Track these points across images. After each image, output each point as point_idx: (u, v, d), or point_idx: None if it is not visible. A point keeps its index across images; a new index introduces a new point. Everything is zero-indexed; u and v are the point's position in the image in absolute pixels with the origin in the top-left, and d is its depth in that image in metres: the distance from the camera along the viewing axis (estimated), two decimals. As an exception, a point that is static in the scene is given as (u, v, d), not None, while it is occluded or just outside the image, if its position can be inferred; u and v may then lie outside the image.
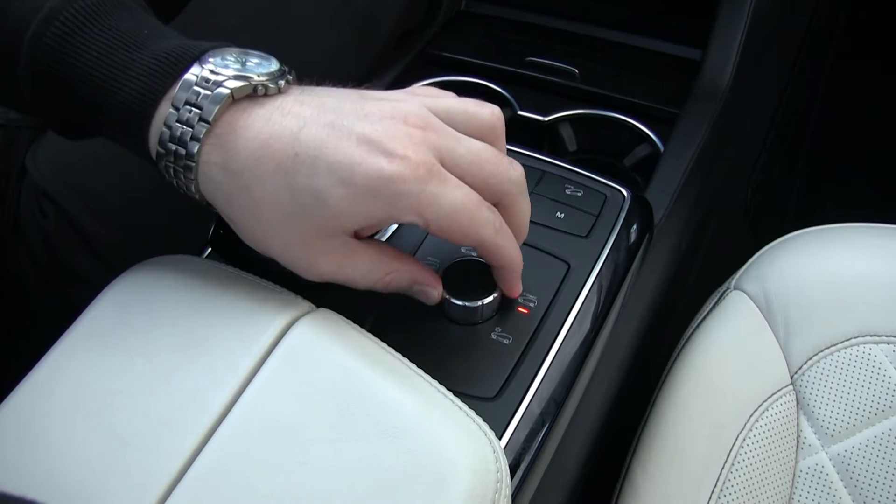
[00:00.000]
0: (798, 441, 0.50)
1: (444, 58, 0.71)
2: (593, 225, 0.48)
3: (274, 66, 0.37)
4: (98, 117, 0.38)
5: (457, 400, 0.35)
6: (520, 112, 0.66)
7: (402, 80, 0.69)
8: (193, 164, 0.35)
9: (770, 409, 0.51)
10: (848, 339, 0.51)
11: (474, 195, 0.36)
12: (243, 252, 0.41)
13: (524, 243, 0.46)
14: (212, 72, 0.35)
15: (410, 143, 0.35)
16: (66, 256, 0.58)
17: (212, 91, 0.35)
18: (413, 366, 0.36)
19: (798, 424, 0.51)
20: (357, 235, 0.37)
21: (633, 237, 0.50)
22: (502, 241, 0.38)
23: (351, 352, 0.35)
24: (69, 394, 0.35)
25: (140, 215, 0.58)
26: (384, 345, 0.37)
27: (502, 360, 0.41)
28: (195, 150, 0.35)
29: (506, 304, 0.43)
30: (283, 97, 0.36)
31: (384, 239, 0.46)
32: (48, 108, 0.39)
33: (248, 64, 0.36)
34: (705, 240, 0.70)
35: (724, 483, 0.49)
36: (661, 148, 0.63)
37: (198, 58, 0.36)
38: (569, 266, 0.46)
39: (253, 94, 0.35)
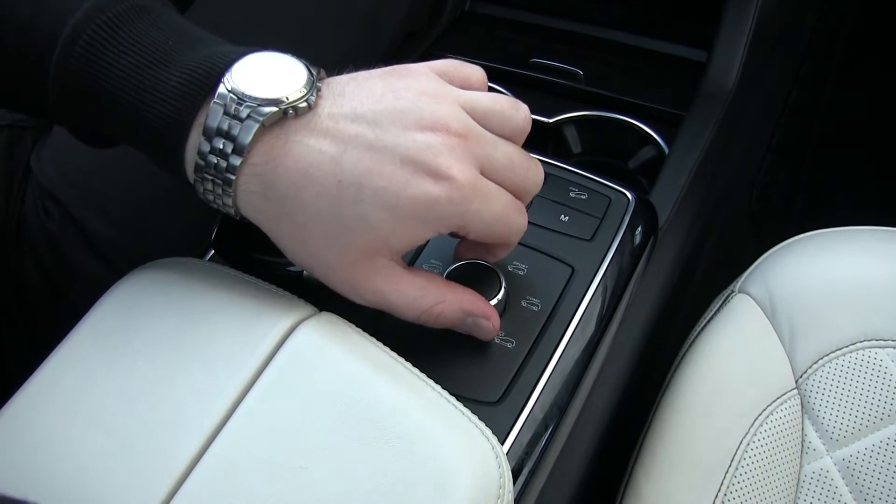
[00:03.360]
0: (802, 446, 0.50)
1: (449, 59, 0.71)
2: (597, 228, 0.48)
3: (303, 75, 0.35)
4: (130, 139, 0.37)
5: (459, 405, 0.35)
6: None
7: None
8: (232, 193, 0.35)
9: (774, 413, 0.50)
10: (853, 343, 0.51)
11: (511, 201, 0.37)
12: (246, 255, 0.41)
13: (528, 246, 0.46)
14: (240, 96, 0.34)
15: (454, 159, 0.34)
16: (70, 257, 0.58)
17: (242, 119, 0.34)
18: (416, 370, 0.36)
19: (803, 429, 0.51)
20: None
21: (637, 240, 0.49)
22: (518, 238, 0.39)
23: (353, 356, 0.35)
24: (71, 396, 0.35)
25: (144, 217, 0.58)
26: (387, 349, 0.37)
27: (505, 363, 0.41)
28: (232, 180, 0.34)
29: (509, 308, 0.43)
30: (316, 115, 0.35)
31: None
32: (77, 126, 0.39)
33: (276, 76, 0.35)
34: (710, 242, 0.70)
35: (727, 488, 0.49)
36: (666, 150, 0.63)
37: (223, 73, 0.35)
38: (573, 269, 0.45)
39: (284, 117, 0.34)
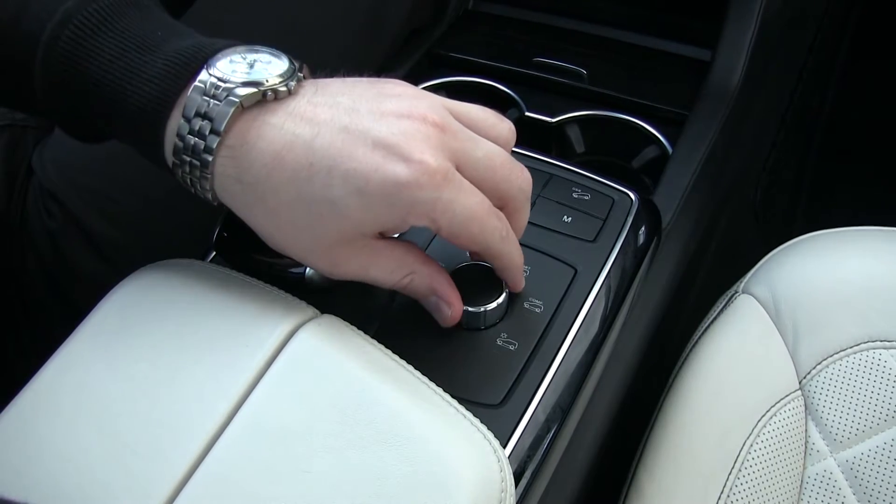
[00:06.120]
0: (806, 447, 0.50)
1: (451, 58, 0.71)
2: (600, 229, 0.48)
3: (284, 64, 0.36)
4: (112, 122, 0.37)
5: (461, 408, 0.35)
6: (527, 113, 0.66)
7: (408, 80, 0.68)
8: (209, 176, 0.35)
9: (778, 414, 0.50)
10: (857, 345, 0.50)
11: (486, 203, 0.36)
12: (248, 256, 0.41)
13: (531, 247, 0.46)
14: (220, 79, 0.34)
15: (428, 147, 0.34)
16: (71, 257, 0.58)
17: (221, 100, 0.34)
18: (417, 373, 0.36)
19: (806, 430, 0.50)
20: (381, 234, 0.37)
21: (640, 241, 0.49)
22: (506, 246, 0.38)
23: (355, 358, 0.35)
24: (73, 398, 0.35)
25: (146, 217, 0.58)
26: (388, 351, 0.37)
27: (508, 366, 0.41)
28: (209, 161, 0.34)
29: (512, 309, 0.43)
30: (296, 100, 0.35)
31: None
32: (63, 113, 0.39)
33: (257, 65, 0.35)
34: (714, 242, 0.69)
35: (731, 489, 0.48)
36: (670, 150, 0.62)
37: (207, 60, 0.35)
38: (575, 271, 0.45)
39: (263, 99, 0.35)
